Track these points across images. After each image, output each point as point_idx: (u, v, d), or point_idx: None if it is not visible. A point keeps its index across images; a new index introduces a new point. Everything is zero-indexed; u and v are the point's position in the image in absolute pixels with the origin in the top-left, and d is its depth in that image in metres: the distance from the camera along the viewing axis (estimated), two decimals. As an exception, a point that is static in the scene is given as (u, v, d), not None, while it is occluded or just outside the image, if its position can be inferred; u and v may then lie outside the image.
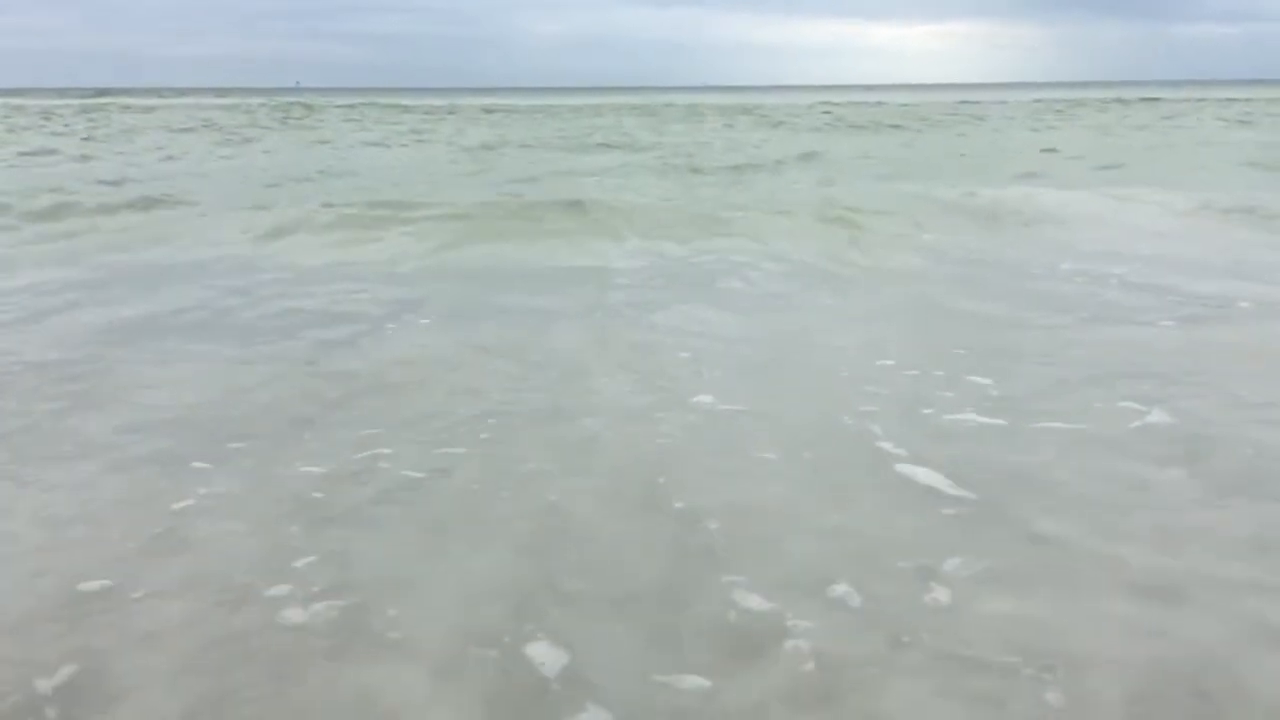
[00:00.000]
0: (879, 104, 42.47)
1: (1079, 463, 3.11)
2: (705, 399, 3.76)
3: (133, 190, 10.89)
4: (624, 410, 3.68)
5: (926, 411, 3.59)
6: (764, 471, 3.09)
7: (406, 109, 39.68)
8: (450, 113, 35.19)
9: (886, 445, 3.24)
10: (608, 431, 3.45)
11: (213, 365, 4.47)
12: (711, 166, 14.04)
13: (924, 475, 3.00)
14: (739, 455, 3.22)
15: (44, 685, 2.04)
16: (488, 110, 39.50)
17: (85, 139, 21.87)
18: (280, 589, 2.42)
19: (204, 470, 3.17)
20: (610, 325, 5.12)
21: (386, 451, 3.31)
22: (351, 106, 42.27)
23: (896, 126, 25.53)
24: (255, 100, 54.58)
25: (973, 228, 8.39)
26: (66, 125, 27.79)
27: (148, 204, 9.72)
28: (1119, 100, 41.09)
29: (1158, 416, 3.49)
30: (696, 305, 5.57)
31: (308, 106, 42.97)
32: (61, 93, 77.30)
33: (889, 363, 4.27)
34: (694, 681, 2.02)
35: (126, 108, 41.98)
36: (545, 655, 2.12)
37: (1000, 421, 3.46)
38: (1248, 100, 39.18)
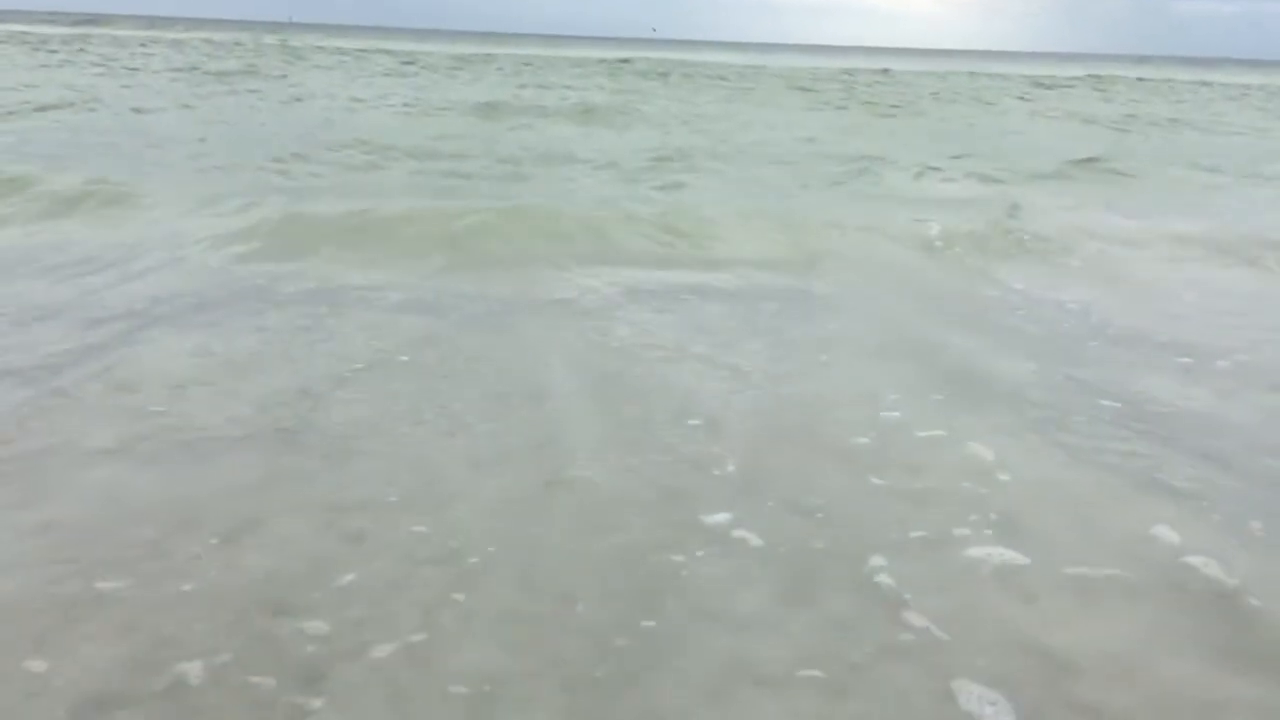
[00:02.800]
0: (885, 71, 41.76)
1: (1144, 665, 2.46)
2: (719, 519, 3.12)
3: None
4: (597, 550, 2.93)
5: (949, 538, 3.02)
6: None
7: (401, 56, 38.63)
8: (458, 67, 34.14)
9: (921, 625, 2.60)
10: (563, 607, 2.64)
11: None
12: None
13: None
14: (758, 674, 2.43)
15: None
16: (484, 60, 38.56)
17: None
18: None
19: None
20: (604, 387, 4.46)
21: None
22: (345, 52, 41.07)
23: (899, 106, 24.81)
24: (244, 35, 53.39)
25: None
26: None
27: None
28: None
29: (1213, 570, 2.84)
30: (695, 345, 4.93)
31: (295, 49, 41.88)
32: (52, 17, 75.44)
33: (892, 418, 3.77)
34: None
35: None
36: None
37: (1026, 563, 2.89)
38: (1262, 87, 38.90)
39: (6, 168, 8.99)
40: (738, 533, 3.04)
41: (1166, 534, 3.04)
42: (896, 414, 4.07)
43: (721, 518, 3.14)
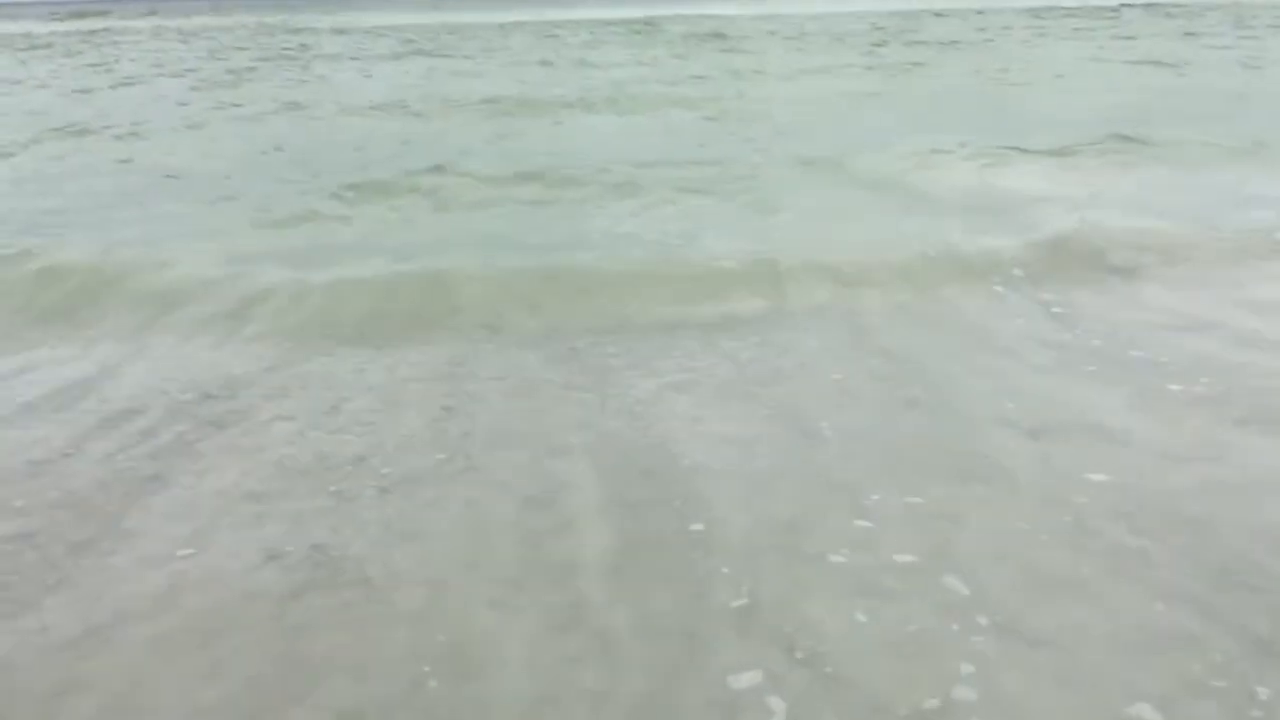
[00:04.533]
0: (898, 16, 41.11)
1: None
2: (746, 682, 3.14)
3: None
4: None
5: None
6: None
7: (407, 33, 38.24)
8: (468, 41, 33.82)
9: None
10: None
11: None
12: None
13: None
14: None
15: None
16: (496, 32, 38.16)
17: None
18: None
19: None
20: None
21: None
22: (348, 32, 40.70)
23: (920, 63, 24.40)
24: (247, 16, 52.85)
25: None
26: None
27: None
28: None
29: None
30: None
31: (301, 31, 41.46)
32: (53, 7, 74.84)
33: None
34: None
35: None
36: None
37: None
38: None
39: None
40: (770, 700, 3.08)
41: (1152, 716, 2.96)
42: (869, 524, 4.07)
43: (748, 680, 3.17)
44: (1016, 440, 4.77)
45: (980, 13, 43.40)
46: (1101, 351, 5.88)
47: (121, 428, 5.21)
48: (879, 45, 27.68)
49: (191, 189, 11.10)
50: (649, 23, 38.74)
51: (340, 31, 40.69)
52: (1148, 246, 7.75)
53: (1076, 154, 11.60)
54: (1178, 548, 3.82)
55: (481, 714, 3.08)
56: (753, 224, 8.83)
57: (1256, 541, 3.85)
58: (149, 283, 7.37)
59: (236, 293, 7.17)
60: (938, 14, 42.53)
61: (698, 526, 4.09)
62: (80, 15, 63.29)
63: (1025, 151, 11.76)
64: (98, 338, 6.57)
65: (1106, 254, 7.63)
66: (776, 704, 3.06)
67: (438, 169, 11.79)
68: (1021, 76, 19.96)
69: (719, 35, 32.78)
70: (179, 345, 6.43)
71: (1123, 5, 43.45)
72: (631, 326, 6.57)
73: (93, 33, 41.99)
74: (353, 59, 28.23)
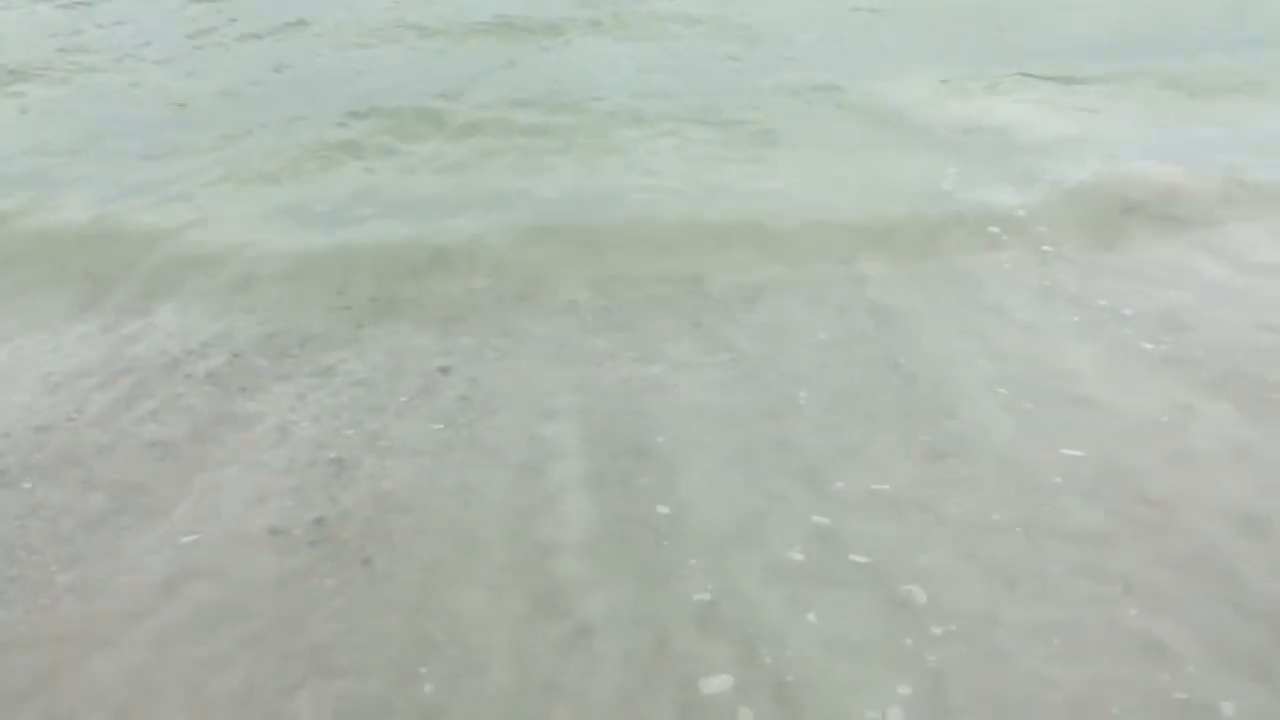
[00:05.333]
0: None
1: None
2: (717, 688, 3.27)
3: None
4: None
5: None
6: None
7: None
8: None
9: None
10: None
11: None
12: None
13: None
14: None
15: None
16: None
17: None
18: None
19: None
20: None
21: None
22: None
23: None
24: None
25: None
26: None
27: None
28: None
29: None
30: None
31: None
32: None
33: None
34: None
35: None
36: None
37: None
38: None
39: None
40: (744, 712, 3.17)
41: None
42: (827, 521, 4.08)
43: (719, 685, 3.27)
44: (993, 410, 4.83)
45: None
46: (1093, 309, 5.88)
47: (123, 392, 5.38)
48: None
49: (196, 120, 10.89)
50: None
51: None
52: (1152, 194, 7.55)
53: (1082, 82, 11.24)
54: (1150, 535, 3.85)
55: (470, 697, 3.30)
56: (752, 166, 8.71)
57: (1226, 527, 3.89)
58: (151, 237, 7.37)
59: (238, 248, 7.16)
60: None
61: (664, 509, 4.21)
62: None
63: (1029, 78, 11.48)
64: (99, 297, 6.66)
65: (1111, 203, 7.46)
66: (746, 714, 3.17)
67: (443, 96, 11.59)
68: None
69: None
70: (183, 307, 6.48)
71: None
72: (625, 282, 6.60)
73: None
74: (356, -35, 27.54)
